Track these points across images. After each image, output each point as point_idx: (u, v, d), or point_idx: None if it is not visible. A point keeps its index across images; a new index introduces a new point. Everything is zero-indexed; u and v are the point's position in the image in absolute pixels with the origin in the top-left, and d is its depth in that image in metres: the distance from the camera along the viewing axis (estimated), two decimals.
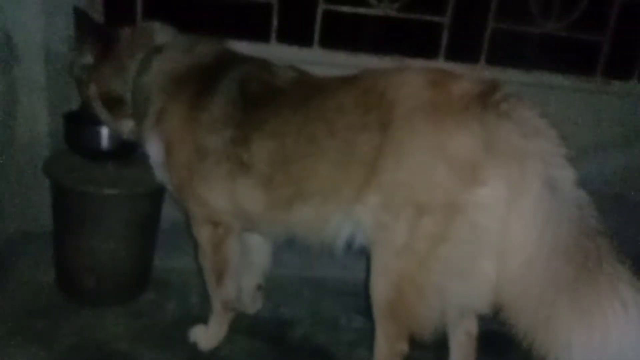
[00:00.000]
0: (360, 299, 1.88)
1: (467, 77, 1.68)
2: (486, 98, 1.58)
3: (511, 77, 2.65)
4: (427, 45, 2.70)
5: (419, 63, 2.52)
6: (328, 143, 1.71)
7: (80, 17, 2.05)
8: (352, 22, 2.80)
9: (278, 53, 2.58)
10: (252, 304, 2.38)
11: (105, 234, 2.21)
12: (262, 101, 1.83)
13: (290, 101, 1.80)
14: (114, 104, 2.06)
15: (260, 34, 2.57)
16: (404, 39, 2.75)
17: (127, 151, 2.27)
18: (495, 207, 1.51)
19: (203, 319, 2.21)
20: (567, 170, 1.51)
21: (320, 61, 2.56)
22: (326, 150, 1.71)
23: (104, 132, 2.22)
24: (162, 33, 2.07)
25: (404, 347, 1.79)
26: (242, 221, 2.00)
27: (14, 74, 2.25)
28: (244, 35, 2.56)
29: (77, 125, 2.24)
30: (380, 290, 1.74)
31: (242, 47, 2.54)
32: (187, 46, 2.01)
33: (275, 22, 2.53)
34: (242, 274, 2.20)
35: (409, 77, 1.69)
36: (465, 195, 1.53)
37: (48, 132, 2.34)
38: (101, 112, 2.10)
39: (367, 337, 2.29)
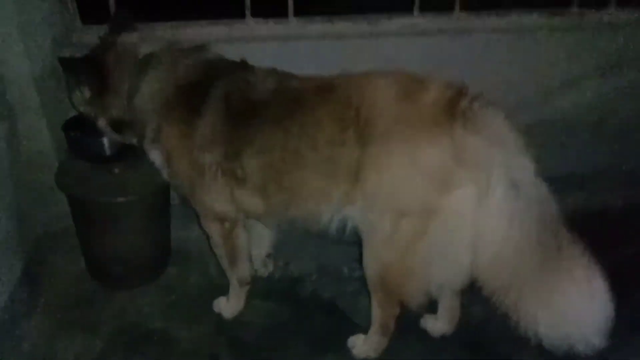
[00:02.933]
0: (358, 247, 2.09)
1: (435, 83, 1.80)
2: (454, 108, 1.72)
3: (486, 23, 2.70)
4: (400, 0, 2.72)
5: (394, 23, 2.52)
6: (312, 156, 1.88)
7: (66, 63, 2.13)
8: None
9: (255, 31, 2.63)
10: (264, 269, 2.66)
11: (124, 231, 2.44)
12: (247, 117, 1.96)
13: (272, 116, 1.94)
14: (122, 126, 2.18)
15: (234, 11, 2.59)
16: None
17: (131, 153, 2.41)
18: (465, 209, 1.72)
19: (223, 287, 2.48)
20: (528, 171, 1.70)
21: (297, 34, 2.62)
22: (311, 162, 1.89)
23: (106, 139, 2.33)
24: (144, 45, 2.13)
25: (395, 310, 2.10)
26: (246, 216, 2.21)
27: (11, 100, 2.38)
28: (220, 13, 2.59)
29: (80, 135, 2.36)
30: (371, 270, 2.01)
31: (220, 30, 2.60)
32: (170, 62, 2.08)
33: None
34: (252, 247, 2.45)
35: (381, 91, 1.82)
36: (438, 200, 1.74)
37: (52, 144, 2.49)
38: (114, 136, 2.23)
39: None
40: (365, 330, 2.30)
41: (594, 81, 2.84)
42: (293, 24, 2.61)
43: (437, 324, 2.30)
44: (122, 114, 2.12)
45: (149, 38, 2.17)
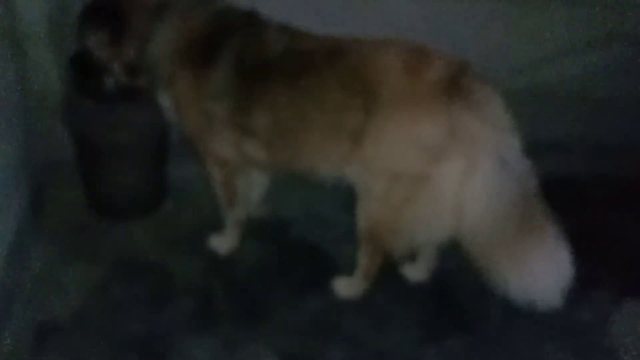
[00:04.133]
0: (345, 194, 2.24)
1: (440, 59, 1.92)
2: (455, 86, 1.86)
3: None
4: None
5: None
6: (317, 118, 2.01)
7: (86, 7, 2.15)
8: None
9: None
10: (257, 211, 2.81)
11: (125, 168, 2.55)
12: (258, 74, 2.06)
13: (282, 76, 2.03)
14: (135, 71, 2.24)
15: None
16: None
17: (134, 93, 2.47)
18: (453, 179, 1.89)
19: (216, 224, 2.64)
20: (515, 149, 1.87)
21: None
22: (316, 124, 2.02)
23: (110, 79, 2.39)
24: None
25: (380, 259, 2.32)
26: (249, 165, 2.34)
27: (20, 36, 2.40)
28: None
29: (86, 73, 2.40)
30: (363, 224, 2.20)
31: None
32: (184, 12, 2.14)
33: None
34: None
35: (388, 63, 1.93)
36: (430, 169, 1.91)
37: (58, 80, 2.54)
38: (124, 79, 2.29)
39: (352, 233, 2.81)
40: (347, 272, 2.49)
41: (582, 54, 2.95)
42: None
43: (415, 272, 2.52)
44: (135, 59, 2.19)
45: None
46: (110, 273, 2.49)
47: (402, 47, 1.98)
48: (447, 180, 1.89)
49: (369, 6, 2.68)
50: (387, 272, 2.44)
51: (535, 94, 2.98)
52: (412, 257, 2.48)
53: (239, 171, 2.39)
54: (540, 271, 1.91)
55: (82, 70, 2.41)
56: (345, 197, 2.25)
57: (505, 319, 2.43)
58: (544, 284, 1.91)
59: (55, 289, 2.40)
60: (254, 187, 2.59)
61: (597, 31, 2.90)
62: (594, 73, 3.01)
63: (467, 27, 2.79)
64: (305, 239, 2.78)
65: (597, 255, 2.50)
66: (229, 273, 2.56)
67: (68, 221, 2.69)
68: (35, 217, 2.60)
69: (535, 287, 1.92)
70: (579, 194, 3.06)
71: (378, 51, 1.98)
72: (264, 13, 2.21)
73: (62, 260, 2.51)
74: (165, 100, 2.29)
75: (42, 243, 2.56)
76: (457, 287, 2.58)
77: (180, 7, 2.16)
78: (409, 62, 1.92)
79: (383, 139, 1.93)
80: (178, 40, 2.13)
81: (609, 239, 2.86)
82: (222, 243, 2.62)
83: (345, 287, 2.45)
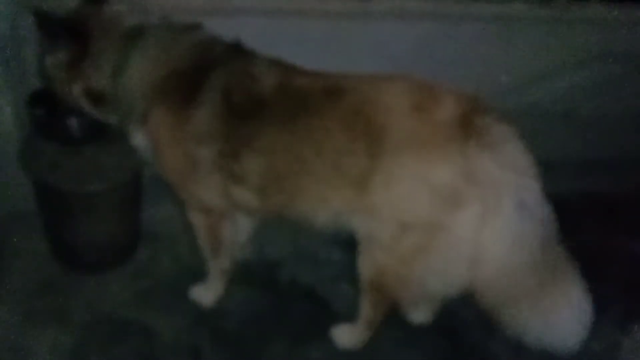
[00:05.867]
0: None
1: (449, 96, 1.76)
2: (468, 125, 1.70)
3: (478, 9, 2.67)
4: None
5: None
6: (317, 162, 1.81)
7: (43, 19, 1.88)
8: None
9: (238, 3, 2.46)
10: (242, 252, 2.58)
11: (95, 218, 2.30)
12: (247, 114, 1.85)
13: (275, 116, 1.83)
14: (99, 100, 1.99)
15: None
16: None
17: (102, 133, 2.23)
18: (469, 227, 1.73)
19: (196, 271, 2.41)
20: (535, 192, 1.72)
21: (283, 9, 2.47)
22: (315, 168, 1.82)
23: (75, 117, 2.13)
24: (131, 14, 1.95)
25: (385, 309, 2.13)
26: (237, 210, 2.13)
27: None
28: None
29: (47, 113, 2.15)
30: (366, 271, 2.01)
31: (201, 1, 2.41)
32: (163, 40, 1.92)
33: None
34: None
35: (394, 102, 1.76)
36: (444, 217, 1.73)
37: (14, 121, 2.25)
38: (87, 108, 2.03)
39: (347, 270, 2.63)
40: (345, 317, 2.33)
41: (570, 73, 2.89)
42: None
43: (419, 315, 2.36)
44: (103, 87, 1.94)
45: (136, 7, 1.97)
46: (84, 336, 2.23)
47: (407, 83, 1.80)
48: (463, 228, 1.73)
49: (355, 29, 2.53)
50: (390, 314, 2.28)
51: (524, 114, 2.88)
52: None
53: (225, 218, 2.17)
54: (564, 321, 1.79)
55: (43, 109, 2.16)
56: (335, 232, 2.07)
57: (514, 356, 2.30)
58: (568, 332, 1.80)
59: (21, 357, 2.13)
60: (240, 233, 2.37)
61: (584, 50, 2.86)
62: (582, 91, 2.95)
63: (455, 47, 2.68)
64: (297, 282, 2.59)
65: (596, 278, 2.42)
66: (217, 326, 2.34)
67: (32, 277, 2.41)
68: None
69: (558, 335, 1.80)
70: (569, 212, 2.98)
71: (381, 89, 1.80)
72: (247, 42, 2.02)
73: (27, 323, 2.23)
74: (139, 140, 2.04)
75: (3, 304, 2.28)
76: (464, 325, 2.44)
77: (159, 35, 1.92)
78: (416, 100, 1.75)
79: (391, 185, 1.75)
80: (155, 73, 1.89)
81: (604, 259, 2.78)
82: (206, 294, 2.40)
83: (346, 336, 2.27)
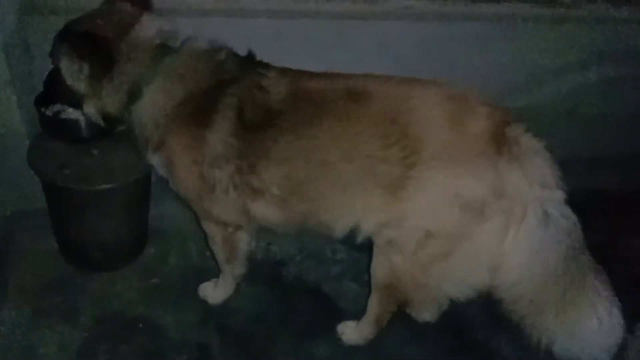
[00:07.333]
0: None
1: (483, 108, 1.78)
2: (501, 140, 1.73)
3: (480, 10, 2.68)
4: None
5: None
6: (344, 168, 1.81)
7: (71, 32, 1.87)
8: None
9: (247, 4, 2.47)
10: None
11: (103, 217, 2.31)
12: (261, 126, 1.84)
13: (291, 124, 1.82)
14: (113, 121, 2.01)
15: None
16: None
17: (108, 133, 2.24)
18: (493, 238, 1.77)
19: (204, 268, 2.45)
20: (560, 204, 1.76)
21: (290, 10, 2.48)
22: (342, 174, 1.82)
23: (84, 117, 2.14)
24: (160, 35, 1.93)
25: (393, 308, 2.15)
26: (257, 225, 2.12)
27: None
28: None
29: (54, 112, 2.17)
30: (381, 274, 2.01)
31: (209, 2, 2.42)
32: (189, 60, 1.90)
33: None
34: None
35: (430, 111, 1.77)
36: (470, 228, 1.76)
37: (23, 121, 2.27)
38: (99, 121, 2.04)
39: (352, 268, 2.66)
40: (350, 314, 2.35)
41: (575, 72, 2.89)
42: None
43: (425, 314, 2.36)
44: (118, 112, 1.94)
45: (165, 26, 1.95)
46: (93, 333, 2.25)
47: (440, 92, 1.81)
48: (485, 238, 1.76)
49: (362, 30, 2.53)
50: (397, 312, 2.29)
51: (530, 113, 2.89)
52: None
53: (242, 230, 2.15)
54: (590, 332, 1.80)
55: (52, 110, 2.18)
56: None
57: (519, 354, 2.31)
58: (595, 344, 1.81)
59: (29, 356, 2.15)
60: (255, 239, 2.36)
61: (590, 49, 2.85)
62: (588, 90, 2.95)
63: (460, 47, 2.68)
64: (303, 279, 2.60)
65: None
66: (224, 323, 2.36)
67: (41, 275, 2.42)
68: (2, 274, 2.34)
69: (584, 347, 1.82)
70: (575, 210, 2.99)
71: (413, 97, 1.80)
72: (254, 43, 2.02)
73: (36, 321, 2.25)
74: (156, 164, 2.04)
75: (10, 303, 2.29)
76: (469, 322, 2.45)
77: (185, 54, 1.90)
78: (451, 111, 1.76)
79: (423, 195, 1.76)
80: (169, 104, 1.87)
81: (610, 257, 2.78)
82: (216, 293, 2.40)
83: (353, 333, 2.28)
